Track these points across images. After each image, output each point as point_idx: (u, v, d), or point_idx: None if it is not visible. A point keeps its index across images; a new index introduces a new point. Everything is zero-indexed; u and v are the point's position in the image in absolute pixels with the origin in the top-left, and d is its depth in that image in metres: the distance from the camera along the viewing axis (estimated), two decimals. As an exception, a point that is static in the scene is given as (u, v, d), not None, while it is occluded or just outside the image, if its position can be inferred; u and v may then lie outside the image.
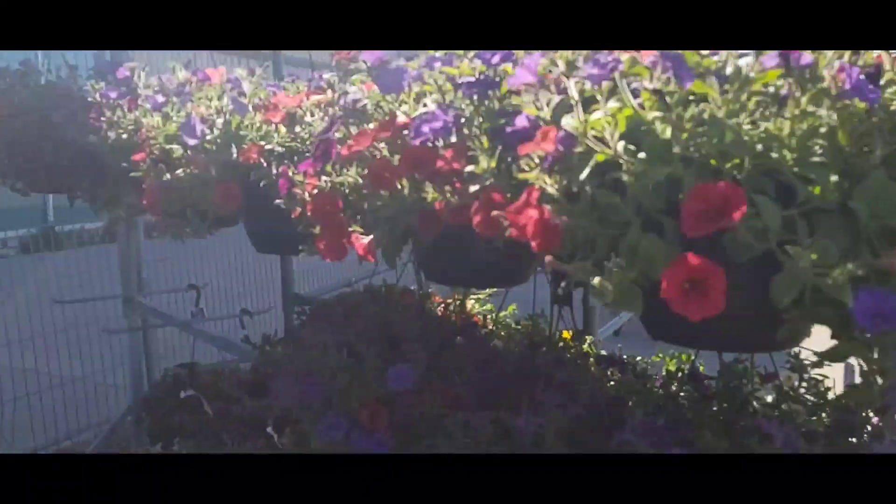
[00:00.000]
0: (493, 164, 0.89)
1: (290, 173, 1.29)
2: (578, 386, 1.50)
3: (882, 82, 0.76)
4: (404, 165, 1.08)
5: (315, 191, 1.26)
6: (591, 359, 1.74)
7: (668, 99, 0.74)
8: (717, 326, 0.80)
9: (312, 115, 1.46)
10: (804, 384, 1.35)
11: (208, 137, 1.44)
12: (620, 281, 0.76)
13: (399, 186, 1.08)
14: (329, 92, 1.43)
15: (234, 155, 1.50)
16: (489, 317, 2.12)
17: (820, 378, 1.35)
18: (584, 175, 0.75)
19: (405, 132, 1.11)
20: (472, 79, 0.99)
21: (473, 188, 0.93)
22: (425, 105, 1.12)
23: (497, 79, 0.99)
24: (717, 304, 0.70)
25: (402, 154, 1.08)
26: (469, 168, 0.91)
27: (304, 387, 1.37)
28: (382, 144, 1.12)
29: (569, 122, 0.76)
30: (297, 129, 1.47)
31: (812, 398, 1.34)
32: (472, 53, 1.07)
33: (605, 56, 0.76)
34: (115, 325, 2.96)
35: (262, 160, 1.42)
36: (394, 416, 1.40)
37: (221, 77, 1.65)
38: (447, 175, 1.06)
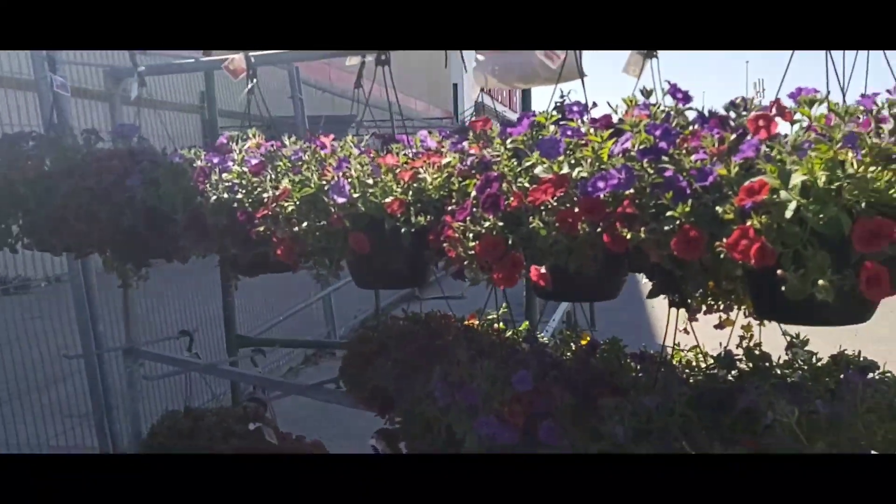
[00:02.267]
0: (688, 209, 1.29)
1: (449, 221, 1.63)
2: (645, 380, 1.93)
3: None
4: (582, 212, 1.46)
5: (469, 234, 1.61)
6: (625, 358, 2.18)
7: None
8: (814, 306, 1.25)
9: (432, 174, 1.80)
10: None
11: (355, 196, 1.74)
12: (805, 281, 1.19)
13: (579, 228, 1.46)
14: (453, 155, 1.78)
15: (362, 209, 1.81)
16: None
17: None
18: (789, 215, 1.17)
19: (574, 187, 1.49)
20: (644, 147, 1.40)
21: (667, 227, 1.32)
22: (581, 166, 1.51)
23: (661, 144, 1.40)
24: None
25: (578, 204, 1.46)
26: (669, 213, 1.31)
27: (462, 393, 1.70)
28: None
29: (773, 181, 1.18)
30: (422, 184, 1.80)
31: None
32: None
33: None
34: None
35: (400, 212, 1.74)
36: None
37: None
38: (612, 217, 1.45)
